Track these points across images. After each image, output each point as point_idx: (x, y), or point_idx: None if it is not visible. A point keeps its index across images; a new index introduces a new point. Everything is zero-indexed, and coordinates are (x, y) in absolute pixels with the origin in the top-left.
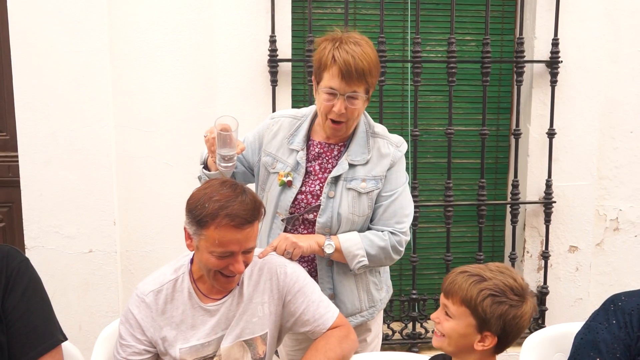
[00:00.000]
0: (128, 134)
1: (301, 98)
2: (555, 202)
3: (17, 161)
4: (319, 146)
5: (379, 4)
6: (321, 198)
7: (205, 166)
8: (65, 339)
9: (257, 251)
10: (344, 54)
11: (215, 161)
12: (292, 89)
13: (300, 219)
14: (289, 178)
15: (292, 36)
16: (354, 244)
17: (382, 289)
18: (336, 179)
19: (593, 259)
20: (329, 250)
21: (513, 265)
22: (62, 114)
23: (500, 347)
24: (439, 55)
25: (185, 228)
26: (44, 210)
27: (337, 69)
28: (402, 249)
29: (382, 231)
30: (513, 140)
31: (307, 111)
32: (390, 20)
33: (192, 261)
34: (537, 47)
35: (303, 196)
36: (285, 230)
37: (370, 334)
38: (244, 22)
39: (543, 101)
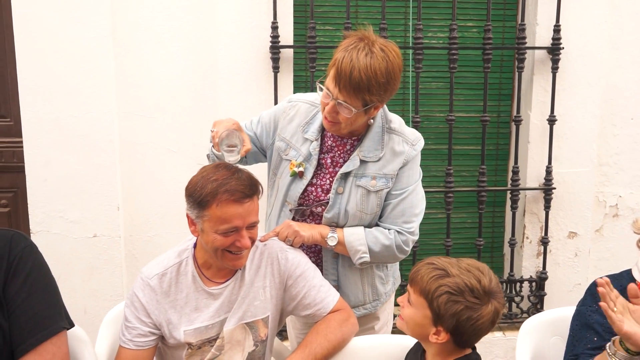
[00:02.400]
0: (131, 120)
1: (303, 84)
2: (555, 188)
3: (22, 147)
4: (332, 139)
5: None
6: (329, 194)
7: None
8: (71, 326)
9: (260, 235)
10: (347, 60)
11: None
12: (294, 75)
13: (308, 211)
14: (301, 169)
15: (294, 22)
16: (357, 239)
17: (388, 282)
18: (346, 174)
19: (592, 245)
20: (331, 242)
21: (512, 251)
22: (66, 100)
23: (459, 345)
24: (441, 41)
25: (187, 214)
26: (48, 196)
27: (335, 72)
28: (408, 249)
29: (388, 229)
30: (514, 127)
31: None
32: (392, 6)
33: (195, 246)
34: (539, 34)
35: (313, 188)
36: (293, 220)
37: (378, 322)
38: (246, 9)
39: (544, 88)
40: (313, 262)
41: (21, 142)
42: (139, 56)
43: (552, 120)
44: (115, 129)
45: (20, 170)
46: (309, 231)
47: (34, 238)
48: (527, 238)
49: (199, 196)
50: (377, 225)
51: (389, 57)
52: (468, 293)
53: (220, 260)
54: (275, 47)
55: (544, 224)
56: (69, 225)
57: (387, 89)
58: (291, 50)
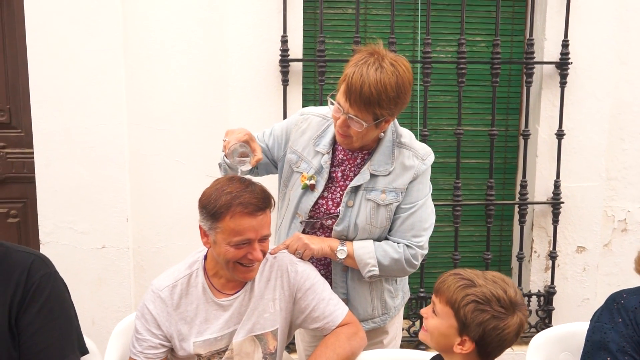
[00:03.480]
0: (141, 131)
1: (312, 97)
2: (563, 202)
3: (32, 158)
4: (343, 152)
5: (389, 5)
6: (340, 207)
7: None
8: (82, 354)
9: (269, 248)
10: (358, 76)
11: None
12: (303, 89)
13: (318, 223)
14: (312, 182)
15: (304, 36)
16: (367, 253)
17: (398, 296)
18: (356, 188)
19: (600, 259)
20: (341, 255)
21: (520, 265)
22: (77, 111)
23: (483, 356)
24: (449, 55)
25: (200, 226)
26: (58, 206)
27: (346, 87)
28: (418, 263)
29: (398, 243)
30: (522, 141)
31: None
32: (401, 20)
33: (205, 257)
34: (547, 49)
35: (324, 201)
36: (303, 232)
37: (387, 336)
38: (256, 22)
39: (552, 102)
40: (322, 275)
41: (32, 153)
42: (150, 68)
43: (560, 135)
44: (125, 140)
45: (31, 180)
46: (318, 244)
47: (43, 249)
48: (535, 252)
49: (213, 208)
50: (386, 238)
51: (399, 72)
52: (495, 302)
53: (232, 272)
54: (285, 61)
55: (552, 238)
56: (78, 236)
57: (397, 103)
58: (300, 64)
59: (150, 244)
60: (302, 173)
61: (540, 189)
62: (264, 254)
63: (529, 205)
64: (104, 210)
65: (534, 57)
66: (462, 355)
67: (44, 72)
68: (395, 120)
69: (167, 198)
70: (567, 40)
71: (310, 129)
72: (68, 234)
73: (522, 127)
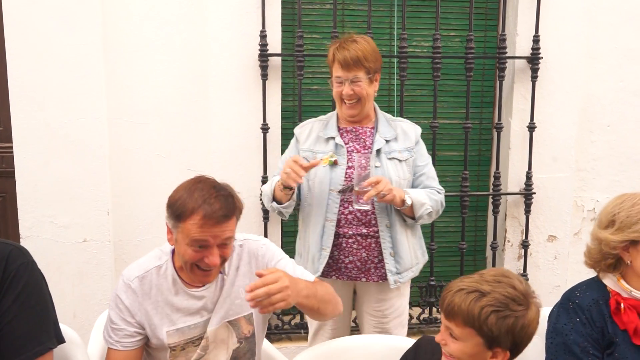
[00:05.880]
0: (121, 126)
1: (291, 92)
2: (535, 193)
3: (12, 152)
4: (352, 131)
5: (366, 0)
6: (368, 169)
7: (274, 199)
8: (59, 343)
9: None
10: (342, 49)
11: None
12: (282, 83)
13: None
14: (334, 158)
15: (282, 31)
16: (420, 195)
17: (419, 250)
18: (377, 152)
19: (571, 247)
20: (409, 201)
21: (494, 254)
22: (57, 106)
23: (515, 354)
24: (425, 50)
25: (166, 223)
26: (38, 201)
27: (338, 61)
28: (444, 205)
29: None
30: (495, 134)
31: (331, 114)
32: (378, 16)
33: (173, 251)
34: (519, 44)
35: (352, 170)
36: (341, 200)
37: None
38: (235, 17)
39: (524, 96)
40: (370, 234)
41: (11, 147)
42: (130, 63)
43: (532, 127)
44: (106, 134)
45: (10, 175)
46: (397, 193)
47: (23, 243)
48: (509, 241)
49: (178, 209)
50: None
51: (367, 41)
52: (512, 303)
53: (190, 272)
54: (264, 55)
55: (524, 228)
56: (59, 230)
57: (377, 58)
58: (279, 59)
59: (131, 237)
60: (322, 159)
61: (513, 180)
62: (224, 260)
63: (502, 196)
64: (85, 204)
65: (506, 52)
66: None
67: (23, 66)
68: (379, 109)
69: (148, 192)
70: (538, 36)
71: (314, 130)
72: (49, 228)
73: (495, 120)
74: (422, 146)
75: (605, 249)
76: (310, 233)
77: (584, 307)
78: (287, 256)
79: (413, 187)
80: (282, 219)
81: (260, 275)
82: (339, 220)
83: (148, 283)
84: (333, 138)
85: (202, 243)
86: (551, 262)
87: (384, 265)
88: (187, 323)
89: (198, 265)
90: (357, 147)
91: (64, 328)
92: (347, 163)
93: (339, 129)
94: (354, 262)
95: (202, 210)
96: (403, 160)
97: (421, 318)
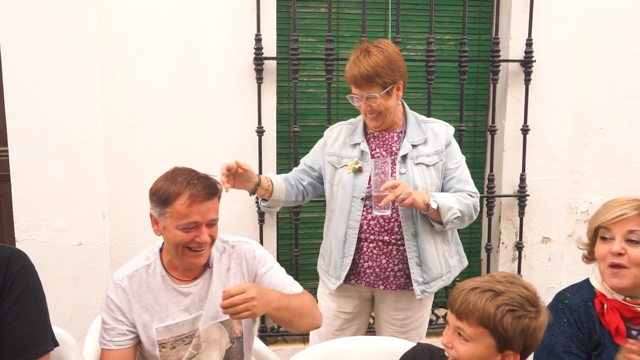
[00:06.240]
0: (117, 129)
1: (286, 95)
2: (529, 195)
3: (7, 156)
4: (379, 137)
5: (361, 4)
6: (394, 175)
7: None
8: (55, 346)
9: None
10: (353, 67)
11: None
12: (277, 86)
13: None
14: (359, 165)
15: (277, 35)
16: (447, 198)
17: (454, 257)
18: (404, 157)
19: (565, 249)
20: (434, 205)
21: (489, 256)
22: (52, 109)
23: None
24: (419, 54)
25: (151, 214)
26: (34, 204)
27: (351, 80)
28: (478, 209)
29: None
30: (489, 136)
31: (360, 118)
32: (372, 19)
33: (161, 250)
34: (512, 47)
35: (379, 177)
36: (364, 207)
37: (417, 313)
38: (230, 21)
39: (518, 99)
40: (394, 243)
41: (6, 150)
42: (125, 66)
43: (525, 130)
44: (101, 137)
45: (5, 179)
46: (418, 196)
47: (19, 246)
48: (503, 243)
49: (163, 194)
50: None
51: (382, 49)
52: (527, 304)
53: (181, 257)
54: (259, 59)
55: (518, 230)
56: (54, 233)
57: (392, 69)
58: (274, 62)
59: (126, 240)
60: (346, 165)
61: (507, 182)
62: (213, 239)
63: (496, 198)
64: (80, 207)
65: (499, 55)
66: None
67: (18, 69)
68: (409, 109)
69: (144, 195)
70: (531, 39)
71: (342, 134)
72: (44, 232)
73: (489, 122)
74: (454, 148)
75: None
76: (333, 239)
77: (573, 307)
78: (277, 264)
79: (443, 191)
80: (277, 223)
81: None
82: (361, 226)
83: (137, 282)
84: (359, 144)
85: (191, 223)
86: (545, 264)
87: (404, 274)
88: (175, 320)
89: (189, 247)
90: (384, 153)
91: (60, 331)
92: (375, 170)
93: (366, 134)
94: (372, 267)
95: (188, 191)
96: (431, 165)
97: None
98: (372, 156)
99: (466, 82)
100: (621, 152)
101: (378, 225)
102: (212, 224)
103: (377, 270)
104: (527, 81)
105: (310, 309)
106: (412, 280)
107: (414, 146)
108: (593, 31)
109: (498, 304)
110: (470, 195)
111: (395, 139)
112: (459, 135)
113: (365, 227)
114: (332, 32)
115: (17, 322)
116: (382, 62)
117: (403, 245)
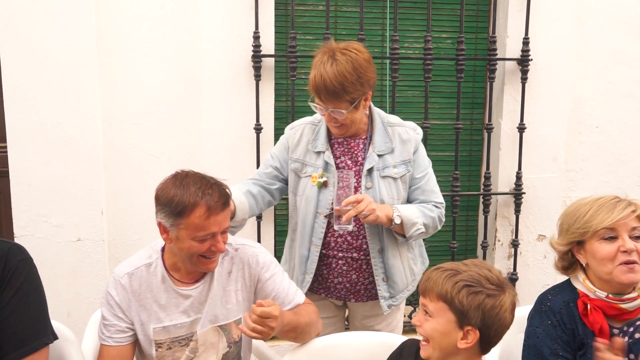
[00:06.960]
0: (115, 125)
1: (284, 92)
2: (524, 193)
3: (6, 152)
4: (344, 143)
5: (359, 2)
6: (360, 190)
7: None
8: (54, 339)
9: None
10: (319, 76)
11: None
12: (275, 84)
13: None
14: (324, 179)
15: (275, 32)
16: (412, 214)
17: (417, 263)
18: (369, 170)
19: None
20: (397, 220)
21: (485, 253)
22: (51, 106)
23: (485, 346)
24: (416, 52)
25: (160, 222)
26: (32, 200)
27: (314, 89)
28: (444, 219)
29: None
30: (486, 134)
31: (322, 118)
32: (370, 17)
33: (163, 249)
34: (509, 46)
35: (342, 191)
36: (328, 225)
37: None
38: (229, 18)
39: (514, 97)
40: (361, 260)
41: (5, 147)
42: (123, 63)
43: (521, 128)
44: (100, 134)
45: (4, 175)
46: (381, 212)
47: (18, 242)
48: (499, 241)
49: (178, 206)
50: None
51: (351, 57)
52: (485, 281)
53: (195, 265)
54: (257, 56)
55: (514, 227)
56: (53, 229)
57: (362, 82)
58: (272, 59)
59: (124, 236)
60: (311, 175)
61: (503, 180)
62: (224, 244)
63: (492, 196)
64: (79, 203)
65: (496, 54)
66: (466, 352)
67: (17, 66)
68: (375, 107)
69: (142, 191)
70: (528, 38)
71: (305, 136)
72: (43, 227)
73: (486, 121)
74: (421, 155)
75: (557, 252)
76: (296, 253)
77: (555, 309)
78: (281, 269)
79: (408, 201)
80: (274, 220)
81: (260, 305)
82: (328, 243)
83: (137, 280)
84: (323, 152)
85: (209, 234)
86: (541, 261)
87: (374, 287)
88: (173, 322)
89: (204, 255)
90: (349, 162)
91: (59, 325)
92: (338, 183)
93: (329, 139)
94: (343, 283)
95: (205, 203)
96: (398, 178)
97: (412, 316)
98: (337, 166)
99: (463, 80)
100: (617, 151)
101: (346, 243)
102: (226, 231)
103: (348, 285)
104: (524, 80)
105: (314, 323)
106: (379, 297)
107: (380, 156)
108: (589, 30)
109: (456, 280)
110: (436, 207)
111: (361, 146)
112: (455, 134)
113: (332, 244)
114: (330, 30)
115: (16, 315)
116: (350, 75)
117: (371, 262)
